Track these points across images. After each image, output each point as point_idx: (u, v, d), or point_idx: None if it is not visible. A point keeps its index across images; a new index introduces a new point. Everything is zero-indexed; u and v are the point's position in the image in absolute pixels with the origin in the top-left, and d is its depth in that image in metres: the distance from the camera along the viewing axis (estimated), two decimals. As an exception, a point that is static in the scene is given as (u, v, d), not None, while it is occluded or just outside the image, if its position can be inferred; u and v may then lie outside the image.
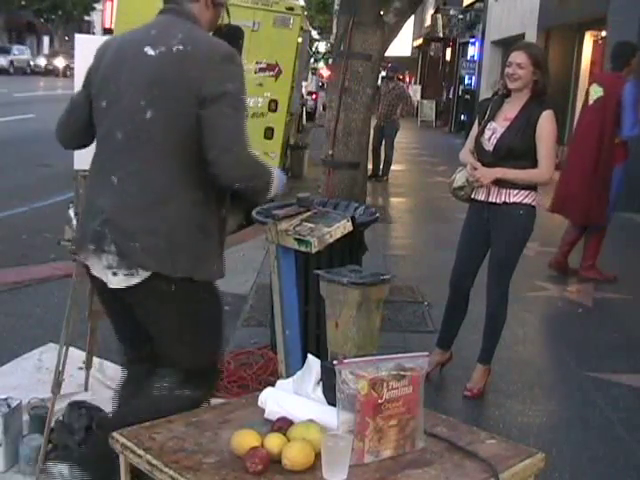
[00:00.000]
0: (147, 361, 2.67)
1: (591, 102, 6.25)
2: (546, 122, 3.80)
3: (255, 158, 2.40)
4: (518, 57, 3.83)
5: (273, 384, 2.39)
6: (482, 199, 3.94)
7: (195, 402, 2.51)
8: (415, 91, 27.27)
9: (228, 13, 2.69)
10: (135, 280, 2.39)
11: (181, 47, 2.38)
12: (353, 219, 3.28)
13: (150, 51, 2.40)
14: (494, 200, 3.90)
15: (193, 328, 2.53)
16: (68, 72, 40.00)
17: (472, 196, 4.02)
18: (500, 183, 3.86)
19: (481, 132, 3.96)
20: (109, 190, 2.43)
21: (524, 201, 3.87)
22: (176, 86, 2.35)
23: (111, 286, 2.44)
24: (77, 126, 2.63)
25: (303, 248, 3.10)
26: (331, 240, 3.13)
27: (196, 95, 2.33)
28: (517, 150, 3.82)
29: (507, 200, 3.87)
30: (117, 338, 2.78)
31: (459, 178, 4.03)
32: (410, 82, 33.81)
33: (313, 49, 27.47)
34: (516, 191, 3.86)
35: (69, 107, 2.65)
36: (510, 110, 3.90)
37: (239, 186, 2.39)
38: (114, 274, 2.41)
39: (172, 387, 2.55)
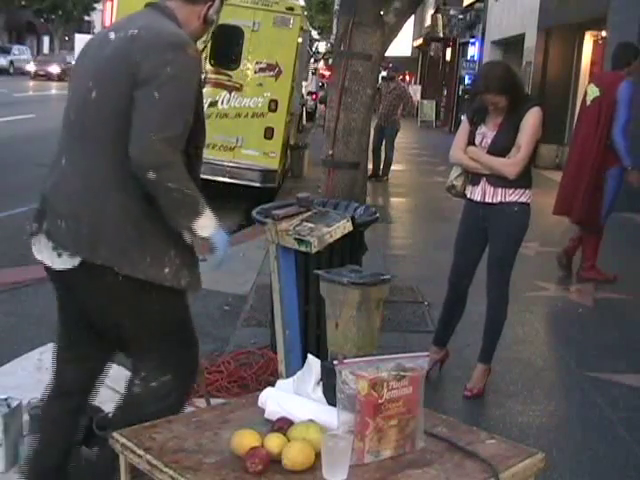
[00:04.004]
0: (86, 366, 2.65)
1: (588, 103, 6.27)
2: (530, 116, 3.82)
3: (169, 147, 2.25)
4: (492, 99, 3.80)
5: (273, 384, 2.39)
6: (478, 200, 3.96)
7: (172, 399, 2.50)
8: (415, 91, 27.27)
9: (218, 14, 2.66)
10: (76, 261, 2.36)
11: (135, 32, 2.36)
12: (353, 219, 3.28)
13: (112, 36, 2.42)
14: (490, 200, 3.92)
15: (144, 326, 2.48)
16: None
17: (468, 196, 4.03)
18: (495, 183, 3.87)
19: (473, 135, 3.96)
20: (57, 171, 2.44)
21: (519, 199, 3.89)
22: (118, 67, 2.34)
23: (55, 267, 2.42)
24: None
25: (303, 248, 3.11)
26: (331, 240, 3.13)
27: (134, 78, 2.29)
28: (509, 152, 3.84)
29: (503, 200, 3.89)
30: (59, 332, 2.70)
31: (449, 178, 4.08)
32: (410, 82, 33.81)
33: (313, 49, 27.45)
34: (511, 190, 3.87)
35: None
36: (498, 114, 3.90)
37: (149, 176, 2.23)
38: (59, 255, 2.39)
39: (146, 380, 2.50)
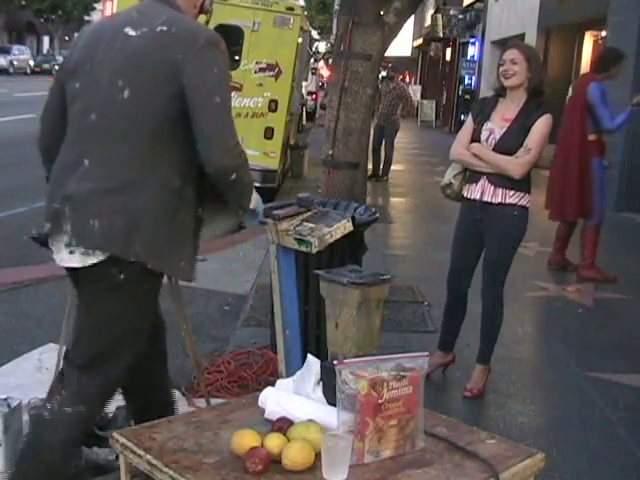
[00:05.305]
0: None
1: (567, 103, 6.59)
2: (542, 122, 3.80)
3: (240, 146, 2.38)
4: (511, 54, 3.84)
5: (273, 384, 2.39)
6: (477, 198, 3.93)
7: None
8: (415, 91, 27.27)
9: (211, 4, 2.65)
10: (91, 260, 2.34)
11: (165, 28, 2.36)
12: (353, 219, 3.28)
13: (131, 32, 2.39)
14: (489, 200, 3.88)
15: (119, 325, 2.44)
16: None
17: (465, 194, 4.01)
18: (496, 182, 3.86)
19: (478, 132, 3.94)
20: (79, 172, 2.38)
21: (519, 203, 3.87)
22: (156, 67, 2.33)
23: (63, 264, 2.40)
24: (52, 120, 2.57)
25: (303, 248, 3.11)
26: (331, 240, 3.14)
27: (176, 78, 2.30)
28: (516, 153, 3.82)
29: (503, 201, 3.85)
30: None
31: (446, 175, 4.05)
32: (410, 82, 33.82)
33: (313, 49, 27.47)
34: (512, 192, 3.85)
35: (44, 108, 2.63)
36: (507, 111, 3.89)
37: (231, 178, 2.35)
38: (71, 252, 2.36)
39: (63, 403, 2.45)
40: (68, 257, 2.38)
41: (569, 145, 6.39)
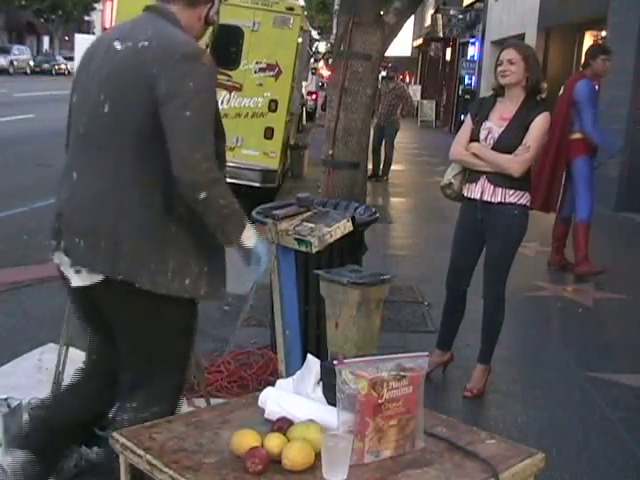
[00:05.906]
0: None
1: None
2: (540, 120, 3.80)
3: (210, 164, 2.26)
4: (508, 54, 3.84)
5: (273, 384, 2.39)
6: (476, 197, 3.93)
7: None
8: (415, 91, 27.26)
9: (217, 14, 2.64)
10: (98, 278, 2.35)
11: (146, 43, 2.33)
12: (353, 219, 3.29)
13: (118, 46, 2.38)
14: (489, 199, 3.88)
15: (150, 341, 2.47)
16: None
17: (465, 194, 4.01)
18: (495, 182, 3.85)
19: (476, 132, 3.94)
20: (68, 186, 2.42)
21: (519, 201, 3.86)
22: (133, 81, 2.31)
23: (74, 284, 2.41)
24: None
25: (303, 248, 3.11)
26: (331, 240, 3.14)
27: (151, 91, 2.26)
28: (515, 151, 3.81)
29: (503, 200, 3.85)
30: (90, 341, 2.70)
31: (446, 176, 4.05)
32: (410, 82, 33.81)
33: (313, 49, 27.46)
34: (512, 191, 3.85)
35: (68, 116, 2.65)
36: (505, 110, 3.89)
37: (200, 196, 2.24)
38: (77, 272, 2.38)
39: (137, 411, 2.48)
40: (76, 277, 2.39)
41: (549, 142, 6.41)
